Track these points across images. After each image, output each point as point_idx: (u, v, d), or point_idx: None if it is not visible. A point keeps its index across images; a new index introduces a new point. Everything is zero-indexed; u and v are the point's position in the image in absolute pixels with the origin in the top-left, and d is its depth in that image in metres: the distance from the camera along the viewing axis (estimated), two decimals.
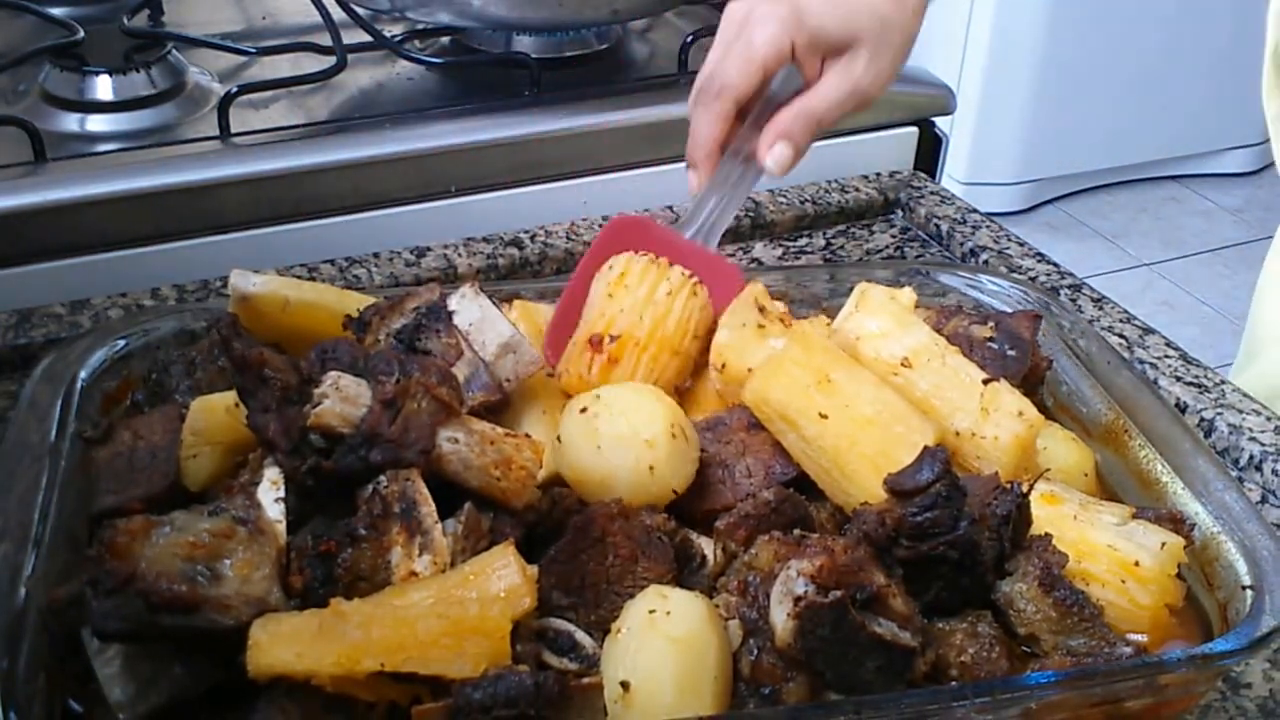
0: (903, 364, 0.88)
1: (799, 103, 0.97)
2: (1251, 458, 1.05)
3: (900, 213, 1.40)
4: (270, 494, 0.75)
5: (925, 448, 0.77)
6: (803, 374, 0.83)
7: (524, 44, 1.45)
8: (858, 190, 1.39)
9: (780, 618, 0.71)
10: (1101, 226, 3.95)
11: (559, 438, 0.82)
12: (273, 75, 1.34)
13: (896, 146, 1.46)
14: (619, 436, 0.80)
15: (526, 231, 1.28)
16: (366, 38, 1.40)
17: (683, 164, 1.36)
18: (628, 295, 0.91)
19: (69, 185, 1.15)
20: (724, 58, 0.97)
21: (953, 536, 0.74)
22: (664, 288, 0.91)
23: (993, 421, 0.85)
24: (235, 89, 1.26)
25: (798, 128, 0.96)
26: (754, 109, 1.00)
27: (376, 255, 1.23)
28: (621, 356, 0.89)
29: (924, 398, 0.87)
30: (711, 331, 0.92)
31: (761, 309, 0.94)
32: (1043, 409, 0.91)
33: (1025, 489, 0.78)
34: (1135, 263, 3.78)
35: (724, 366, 0.90)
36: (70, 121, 1.29)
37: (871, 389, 0.84)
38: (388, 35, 1.42)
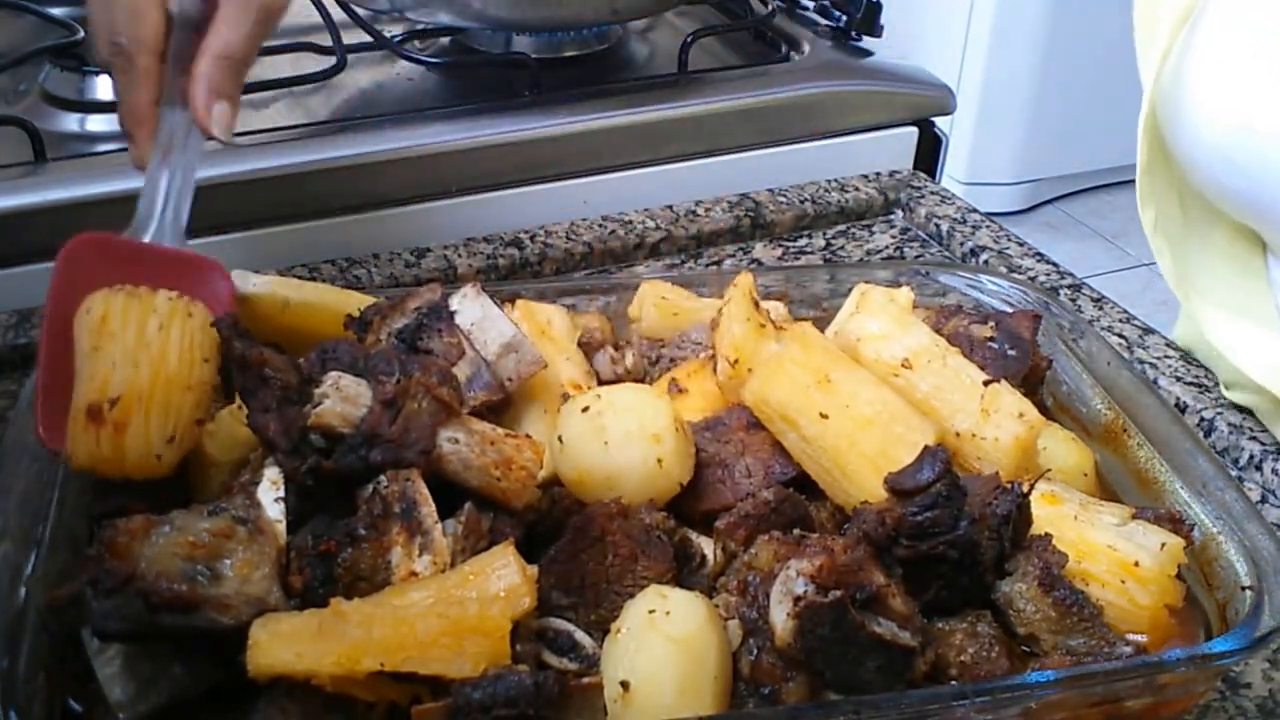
0: (903, 365, 0.88)
1: (210, 48, 0.88)
2: (1251, 458, 1.05)
3: (900, 213, 1.40)
4: (270, 494, 0.75)
5: (925, 447, 0.77)
6: (803, 374, 0.84)
7: (524, 44, 1.45)
8: (858, 190, 1.39)
9: (780, 617, 0.71)
10: (1101, 226, 3.95)
11: (560, 438, 0.82)
12: (273, 75, 1.34)
13: (896, 146, 1.46)
14: (627, 433, 0.80)
15: (526, 231, 1.28)
16: (366, 38, 1.40)
17: (684, 163, 1.37)
18: (116, 344, 0.80)
19: (69, 185, 1.15)
20: (111, 8, 0.88)
21: (953, 536, 0.74)
22: (154, 322, 0.81)
23: (993, 423, 0.85)
24: None
25: (226, 81, 0.89)
26: (169, 44, 0.90)
27: (376, 255, 1.23)
28: (129, 418, 0.78)
29: (924, 399, 0.87)
30: (216, 349, 0.82)
31: (755, 304, 0.94)
32: (1043, 409, 0.91)
33: (1025, 489, 0.78)
34: (1135, 263, 3.78)
35: (736, 362, 0.90)
36: (70, 121, 1.29)
37: (871, 389, 0.84)
38: (388, 35, 1.42)
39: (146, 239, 0.90)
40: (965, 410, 0.86)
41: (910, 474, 0.76)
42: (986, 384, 0.87)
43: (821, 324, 0.99)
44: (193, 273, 0.88)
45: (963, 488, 0.76)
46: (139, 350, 0.80)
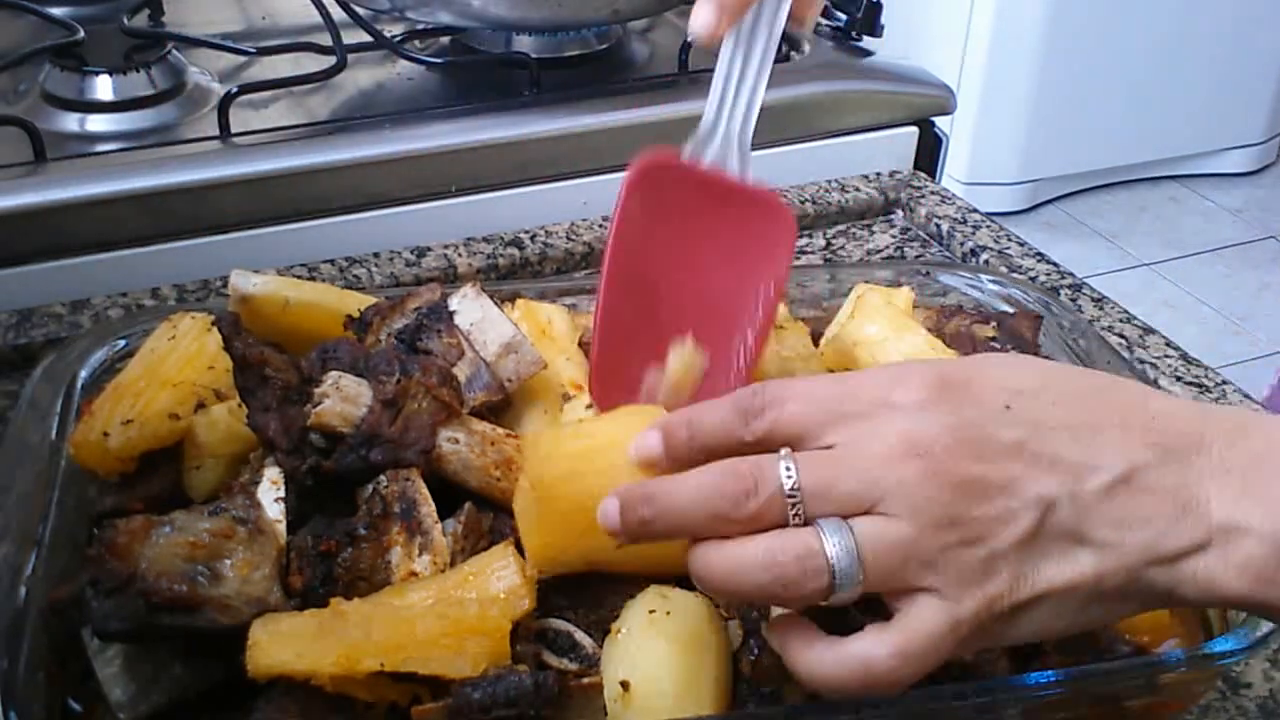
0: None
1: None
2: None
3: (900, 213, 1.40)
4: (270, 494, 0.75)
5: None
6: None
7: (524, 44, 1.45)
8: (858, 190, 1.39)
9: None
10: (1101, 226, 3.95)
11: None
12: (273, 75, 1.34)
13: (896, 146, 1.46)
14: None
15: (526, 231, 1.28)
16: (366, 38, 1.39)
17: None
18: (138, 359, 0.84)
19: (69, 185, 1.15)
20: None
21: None
22: (167, 333, 0.84)
23: None
24: (235, 89, 1.26)
25: None
26: None
27: (376, 255, 1.23)
28: (99, 405, 0.80)
29: None
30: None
31: None
32: None
33: None
34: (1135, 263, 3.78)
35: None
36: (70, 121, 1.29)
37: None
38: (388, 35, 1.42)
39: (708, 155, 0.82)
40: None
41: None
42: None
43: (822, 324, 0.99)
44: (754, 215, 0.82)
45: None
46: (145, 357, 0.82)
